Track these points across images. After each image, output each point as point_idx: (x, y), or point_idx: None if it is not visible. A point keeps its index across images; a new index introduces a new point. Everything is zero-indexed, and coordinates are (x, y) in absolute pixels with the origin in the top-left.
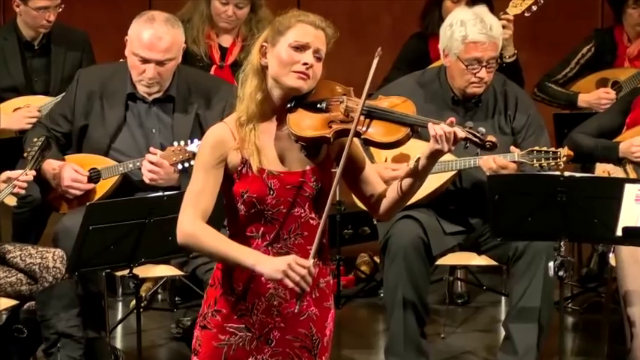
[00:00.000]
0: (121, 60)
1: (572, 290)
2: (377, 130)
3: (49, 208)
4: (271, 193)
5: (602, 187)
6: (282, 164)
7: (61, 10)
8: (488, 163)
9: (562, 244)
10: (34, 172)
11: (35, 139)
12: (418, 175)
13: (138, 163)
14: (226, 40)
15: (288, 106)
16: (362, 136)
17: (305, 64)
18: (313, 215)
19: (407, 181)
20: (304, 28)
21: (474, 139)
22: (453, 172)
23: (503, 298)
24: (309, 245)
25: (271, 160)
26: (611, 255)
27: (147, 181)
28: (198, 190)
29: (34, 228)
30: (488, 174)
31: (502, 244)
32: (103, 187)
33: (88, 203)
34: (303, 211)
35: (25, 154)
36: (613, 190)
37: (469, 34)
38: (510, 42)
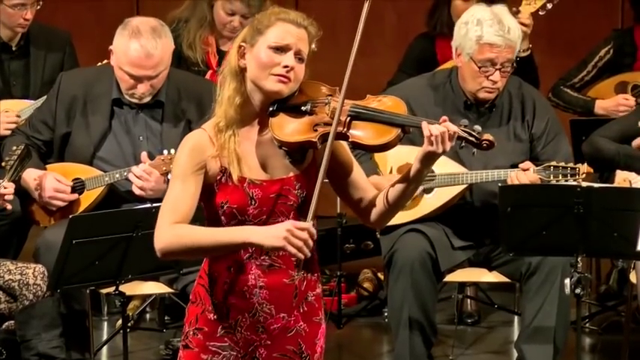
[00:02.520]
0: (105, 62)
1: (589, 309)
2: (365, 132)
3: (29, 221)
4: (253, 203)
5: (623, 198)
6: (264, 172)
7: (39, 7)
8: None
9: (579, 259)
10: (12, 185)
11: (14, 148)
12: (412, 180)
13: (125, 173)
14: (225, 44)
15: (270, 109)
16: (349, 139)
17: (285, 66)
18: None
19: (400, 187)
20: (285, 27)
21: (470, 138)
22: (464, 186)
23: (515, 317)
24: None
25: (252, 167)
26: (631, 271)
27: (136, 191)
28: (175, 199)
29: (14, 242)
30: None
31: (515, 260)
32: (87, 199)
33: (71, 216)
34: (287, 220)
35: (3, 164)
36: (634, 201)
37: (484, 34)
38: (525, 37)
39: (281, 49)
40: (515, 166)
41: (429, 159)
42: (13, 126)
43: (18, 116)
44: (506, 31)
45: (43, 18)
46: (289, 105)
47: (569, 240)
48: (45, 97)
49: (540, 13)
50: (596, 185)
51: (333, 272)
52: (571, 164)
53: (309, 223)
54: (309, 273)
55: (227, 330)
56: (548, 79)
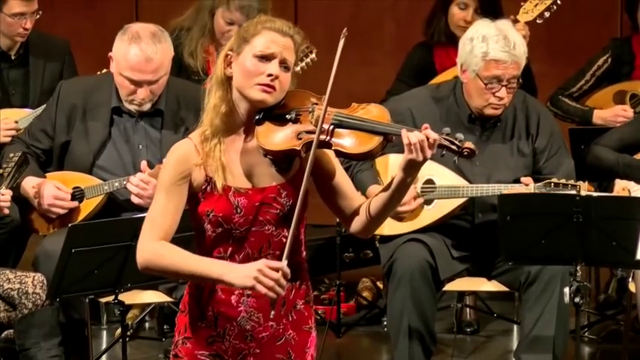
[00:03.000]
0: (105, 70)
1: (588, 318)
2: (347, 141)
3: (28, 230)
4: (238, 211)
5: (622, 207)
6: (250, 180)
7: (39, 16)
8: None
9: (578, 268)
10: (10, 192)
11: (11, 155)
12: (396, 189)
13: (124, 182)
14: None
15: (256, 117)
16: (332, 147)
17: (270, 75)
18: (285, 233)
19: (385, 196)
20: (270, 36)
21: (452, 146)
22: (465, 199)
23: (515, 326)
24: None
25: (238, 176)
26: (630, 280)
27: (134, 200)
28: (158, 212)
29: (13, 251)
30: None
31: (514, 269)
32: (86, 208)
33: (70, 224)
34: (274, 228)
35: (0, 171)
36: (633, 210)
37: (490, 51)
38: None
39: (266, 58)
40: (517, 180)
41: (410, 167)
42: (12, 133)
43: (16, 122)
44: (512, 47)
45: (42, 27)
46: (275, 114)
47: (568, 249)
48: (44, 105)
49: (538, 21)
50: (595, 194)
51: (333, 281)
52: (572, 181)
53: (283, 263)
54: (298, 282)
55: (215, 339)
56: (546, 88)
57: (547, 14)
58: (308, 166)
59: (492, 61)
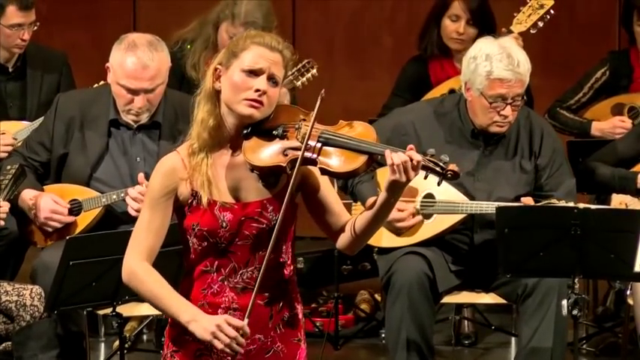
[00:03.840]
0: (102, 82)
1: (587, 330)
2: (333, 159)
3: (26, 242)
4: (223, 225)
5: (619, 220)
6: (236, 195)
7: (36, 28)
8: None
9: (576, 280)
10: (7, 204)
11: (9, 167)
12: (381, 208)
13: (122, 194)
14: None
15: (244, 132)
16: (317, 165)
17: (257, 90)
18: (273, 248)
19: (370, 215)
20: (259, 51)
21: (436, 168)
22: (463, 215)
23: (513, 338)
24: (268, 279)
25: (223, 191)
26: (628, 293)
27: (132, 212)
28: (143, 229)
29: (11, 263)
30: None
31: (512, 281)
32: (84, 220)
33: (68, 237)
34: (260, 243)
35: None
36: (631, 223)
37: (494, 69)
38: None
39: (254, 73)
40: (519, 197)
41: (394, 188)
42: (10, 148)
43: (14, 138)
44: (515, 65)
45: (40, 40)
46: (263, 128)
47: (566, 261)
48: (42, 118)
49: (532, 31)
50: (592, 207)
51: (331, 293)
52: (571, 203)
53: (243, 322)
54: (285, 296)
55: (202, 352)
56: (543, 101)
57: (540, 24)
58: (291, 183)
59: (497, 80)
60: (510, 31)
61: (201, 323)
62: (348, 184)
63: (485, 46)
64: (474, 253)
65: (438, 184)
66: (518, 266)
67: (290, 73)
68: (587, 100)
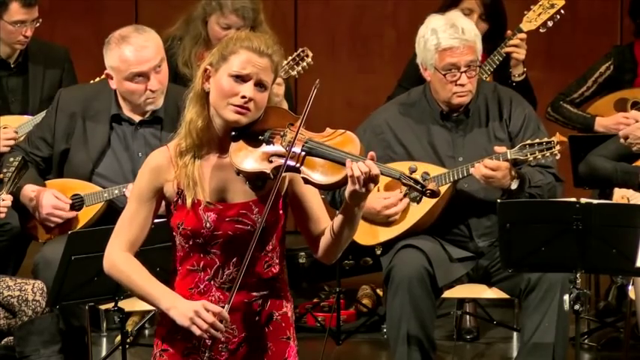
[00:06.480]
0: (104, 76)
1: (588, 325)
2: (316, 170)
3: (28, 237)
4: (207, 226)
5: (621, 215)
6: (222, 195)
7: (39, 24)
8: (480, 170)
9: (578, 275)
10: (10, 197)
11: (11, 159)
12: (346, 218)
13: (123, 189)
14: None
15: (232, 134)
16: (300, 174)
17: (244, 97)
18: (258, 249)
19: (337, 223)
20: (247, 56)
21: (416, 186)
22: (448, 185)
23: (515, 333)
24: (254, 278)
25: (209, 191)
26: (630, 287)
27: None
28: (127, 221)
29: (13, 258)
30: (482, 182)
31: (513, 276)
32: (86, 215)
33: (69, 232)
34: (245, 244)
35: (0, 176)
36: (633, 217)
37: (441, 40)
38: (519, 62)
39: (241, 78)
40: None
41: (354, 197)
42: (12, 143)
43: (16, 132)
44: (460, 33)
45: (42, 35)
46: (250, 132)
47: (568, 256)
48: (44, 112)
49: (541, 30)
50: (595, 202)
51: (332, 288)
52: (545, 139)
53: (223, 309)
54: (275, 293)
55: (191, 351)
56: (546, 96)
57: (550, 24)
58: (274, 189)
59: (445, 50)
60: (520, 30)
61: (180, 309)
62: (336, 197)
63: (431, 22)
64: (465, 223)
65: (417, 202)
66: (520, 261)
67: (285, 62)
68: (591, 94)
